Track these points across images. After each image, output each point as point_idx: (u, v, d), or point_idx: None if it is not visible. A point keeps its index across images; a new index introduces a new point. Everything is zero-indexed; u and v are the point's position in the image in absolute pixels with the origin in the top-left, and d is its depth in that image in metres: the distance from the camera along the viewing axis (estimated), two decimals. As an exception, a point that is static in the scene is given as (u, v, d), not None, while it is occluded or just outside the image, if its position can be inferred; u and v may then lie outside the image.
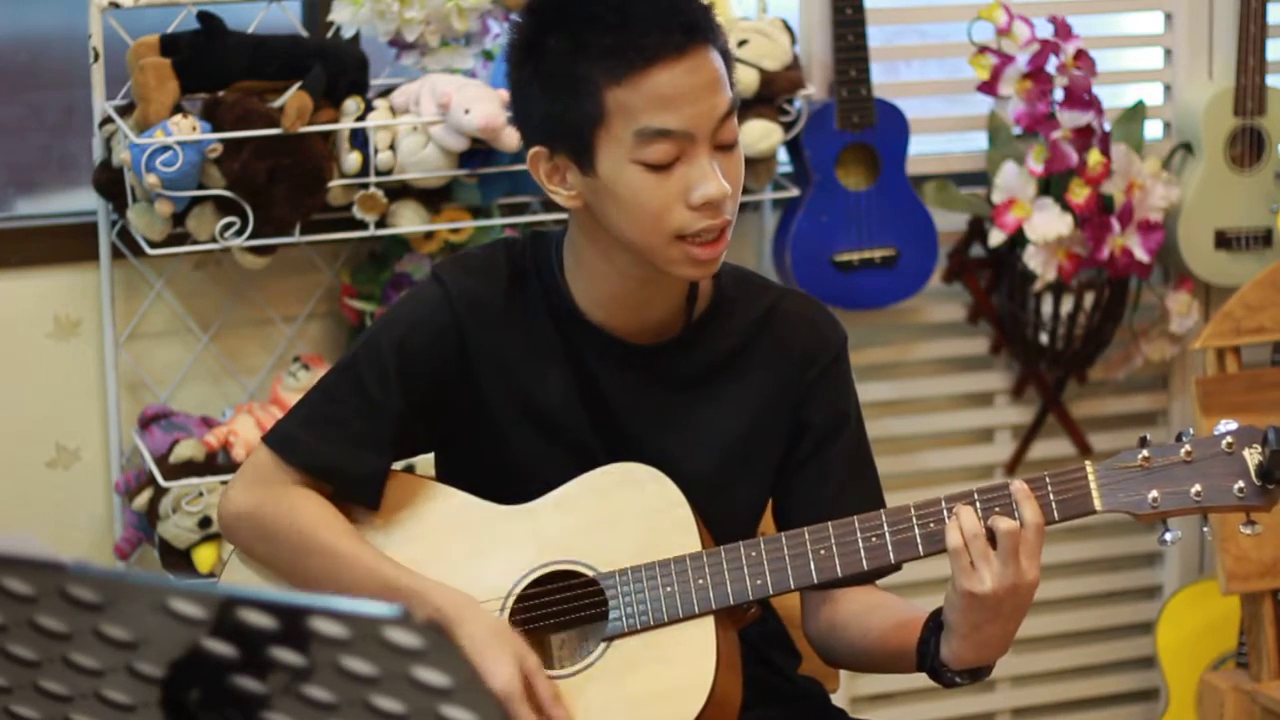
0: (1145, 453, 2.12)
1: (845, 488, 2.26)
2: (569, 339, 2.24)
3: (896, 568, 2.19)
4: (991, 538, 2.06)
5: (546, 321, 2.25)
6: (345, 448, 2.23)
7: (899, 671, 2.23)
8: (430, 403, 2.25)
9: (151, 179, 3.13)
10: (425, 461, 2.41)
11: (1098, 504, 2.12)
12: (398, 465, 2.29)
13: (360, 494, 2.25)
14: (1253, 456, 2.11)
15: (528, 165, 2.19)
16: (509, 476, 2.24)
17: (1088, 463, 2.14)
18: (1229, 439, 2.12)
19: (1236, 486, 2.11)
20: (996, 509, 2.09)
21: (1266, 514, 2.13)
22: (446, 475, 2.31)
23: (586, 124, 2.11)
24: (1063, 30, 3.69)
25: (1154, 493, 2.11)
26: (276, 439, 2.27)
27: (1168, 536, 2.13)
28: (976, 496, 2.11)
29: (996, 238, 3.74)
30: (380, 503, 2.25)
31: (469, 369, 2.24)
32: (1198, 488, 2.11)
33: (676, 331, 2.26)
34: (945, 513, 2.12)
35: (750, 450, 2.26)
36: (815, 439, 2.28)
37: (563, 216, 2.27)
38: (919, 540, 2.14)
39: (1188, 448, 2.12)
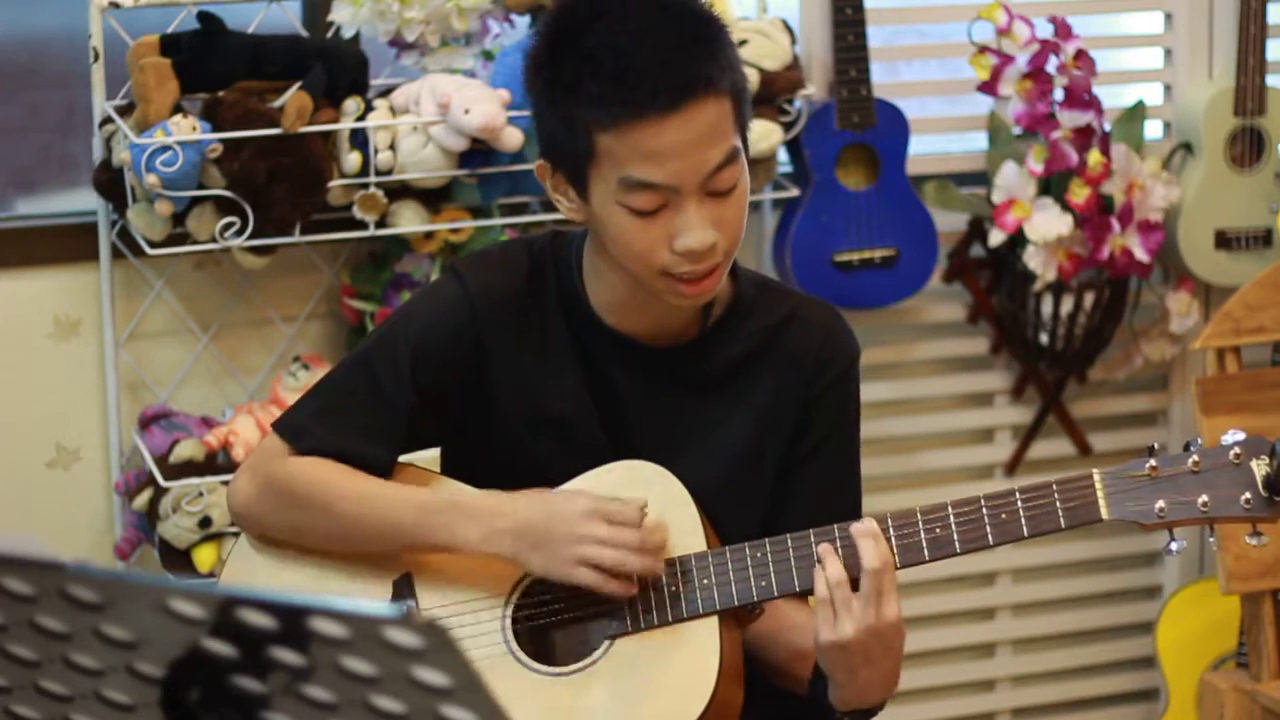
0: (1153, 462, 2.11)
1: (824, 501, 2.25)
2: (583, 339, 2.24)
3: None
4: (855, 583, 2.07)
5: (561, 320, 2.25)
6: (354, 439, 2.24)
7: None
8: (442, 399, 2.25)
9: (151, 179, 3.13)
10: (426, 457, 2.40)
11: (1105, 513, 2.11)
12: (401, 459, 2.29)
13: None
14: (1260, 468, 2.10)
15: (535, 173, 2.21)
16: (516, 474, 2.24)
17: (1095, 471, 2.13)
18: (1236, 450, 2.11)
19: (1243, 498, 2.10)
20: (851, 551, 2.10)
21: (1272, 525, 2.12)
22: (452, 470, 2.30)
23: (579, 157, 2.11)
24: (1063, 30, 3.69)
25: (1161, 503, 2.10)
26: (286, 428, 2.28)
27: (1173, 546, 2.12)
28: (836, 533, 2.12)
29: (996, 238, 3.74)
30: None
31: (483, 367, 2.24)
32: (1205, 498, 2.10)
33: (692, 335, 2.25)
34: (812, 549, 2.11)
35: (760, 453, 2.26)
36: (809, 445, 2.27)
37: (563, 216, 2.27)
38: (924, 546, 2.13)
39: (1195, 458, 2.11)
